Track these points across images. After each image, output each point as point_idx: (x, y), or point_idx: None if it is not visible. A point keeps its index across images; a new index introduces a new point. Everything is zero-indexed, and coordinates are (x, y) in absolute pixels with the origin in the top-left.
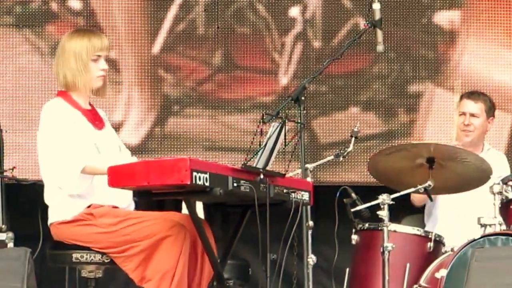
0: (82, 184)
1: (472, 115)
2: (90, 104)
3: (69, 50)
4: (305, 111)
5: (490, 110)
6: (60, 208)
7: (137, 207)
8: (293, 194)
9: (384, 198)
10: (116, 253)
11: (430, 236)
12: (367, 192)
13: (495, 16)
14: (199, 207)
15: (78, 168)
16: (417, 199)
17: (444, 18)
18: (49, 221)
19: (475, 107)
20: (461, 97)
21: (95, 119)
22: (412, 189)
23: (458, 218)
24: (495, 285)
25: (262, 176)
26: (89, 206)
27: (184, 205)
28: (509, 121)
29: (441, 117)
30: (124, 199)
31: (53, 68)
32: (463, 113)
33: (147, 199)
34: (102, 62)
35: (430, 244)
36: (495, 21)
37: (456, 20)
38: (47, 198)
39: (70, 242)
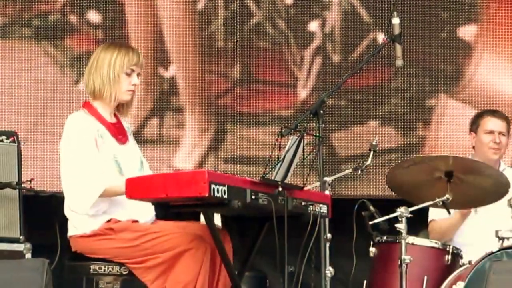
0: (100, 205)
1: (501, 133)
2: (115, 116)
3: (103, 58)
4: (323, 125)
5: (510, 129)
6: (80, 222)
7: (156, 216)
8: (311, 206)
9: (402, 211)
10: (135, 263)
11: (447, 249)
12: (385, 205)
13: (511, 31)
14: (217, 217)
15: (96, 194)
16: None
17: (462, 32)
18: (69, 234)
19: (503, 125)
20: (483, 115)
21: (119, 133)
22: (430, 202)
23: (476, 231)
24: None
25: (280, 189)
26: (109, 221)
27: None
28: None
29: (457, 130)
30: (146, 213)
31: (84, 76)
32: (491, 131)
33: (165, 211)
34: (135, 77)
35: (448, 257)
36: (511, 35)
37: (473, 34)
38: (67, 211)
39: (89, 255)
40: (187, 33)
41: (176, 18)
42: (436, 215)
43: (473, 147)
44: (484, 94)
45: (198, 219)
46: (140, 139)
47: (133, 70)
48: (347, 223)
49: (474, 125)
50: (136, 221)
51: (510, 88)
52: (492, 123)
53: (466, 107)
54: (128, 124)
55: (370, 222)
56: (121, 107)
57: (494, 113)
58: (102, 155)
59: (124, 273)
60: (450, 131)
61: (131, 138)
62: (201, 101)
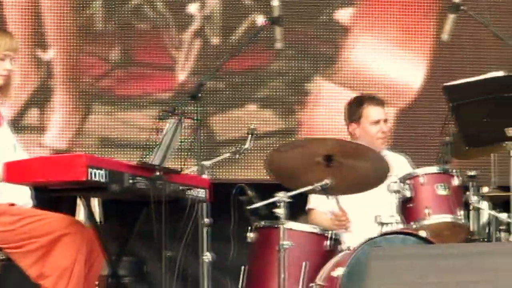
0: None
1: (385, 120)
2: None
3: None
4: (202, 108)
5: None
6: None
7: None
8: (189, 191)
9: (281, 196)
10: (12, 249)
11: (327, 235)
12: (265, 190)
13: (386, 13)
14: (95, 203)
15: None
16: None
17: (339, 15)
18: None
19: (384, 112)
20: (362, 104)
21: None
22: (310, 187)
23: (355, 217)
24: (393, 284)
25: (158, 173)
26: None
27: (78, 209)
28: (392, 116)
29: (334, 112)
30: (22, 196)
31: None
32: (377, 121)
33: (45, 196)
34: (8, 62)
35: (328, 242)
36: (386, 18)
37: (349, 16)
38: None
39: None
40: (65, 15)
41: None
42: (316, 203)
43: (351, 135)
44: (360, 76)
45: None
46: (18, 122)
47: (6, 55)
48: (226, 207)
49: (355, 115)
50: (13, 204)
51: (385, 69)
52: (375, 113)
53: (342, 89)
54: (5, 108)
55: (249, 207)
56: None
57: (372, 100)
58: None
59: (2, 258)
60: (327, 113)
61: (4, 123)
62: (79, 84)
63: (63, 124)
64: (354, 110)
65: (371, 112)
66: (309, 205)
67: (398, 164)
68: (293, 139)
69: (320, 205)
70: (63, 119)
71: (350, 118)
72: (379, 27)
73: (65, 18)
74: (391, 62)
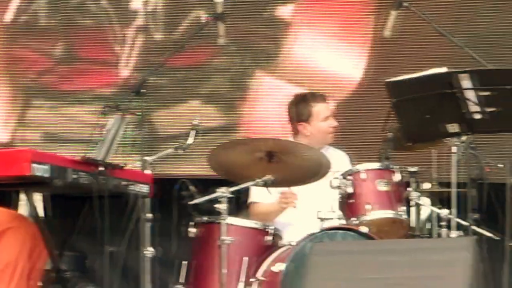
0: None
1: (332, 116)
2: None
3: None
4: (145, 104)
5: None
6: None
7: None
8: (132, 186)
9: (223, 192)
10: None
11: (268, 230)
12: (207, 185)
13: (326, 8)
14: (38, 198)
15: None
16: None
17: (281, 11)
18: None
19: (329, 107)
20: (309, 103)
21: None
22: (251, 182)
23: (297, 212)
24: (334, 279)
25: (101, 168)
26: None
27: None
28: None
29: (274, 107)
30: None
31: None
32: (327, 117)
33: None
34: None
35: (268, 238)
36: (326, 13)
37: (290, 12)
38: None
39: None
40: (9, 10)
41: None
42: (258, 197)
43: (298, 134)
44: (301, 71)
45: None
46: None
47: None
48: (168, 203)
49: (303, 115)
50: None
51: (325, 64)
52: (324, 109)
53: (283, 84)
54: None
55: (190, 202)
56: None
57: (318, 97)
58: None
59: None
60: (267, 108)
61: None
62: (23, 79)
63: (6, 118)
64: (302, 110)
65: (321, 109)
66: (251, 199)
67: (338, 160)
68: (235, 134)
69: (262, 198)
70: (5, 113)
71: (299, 118)
72: (319, 22)
73: (9, 13)
74: (331, 56)
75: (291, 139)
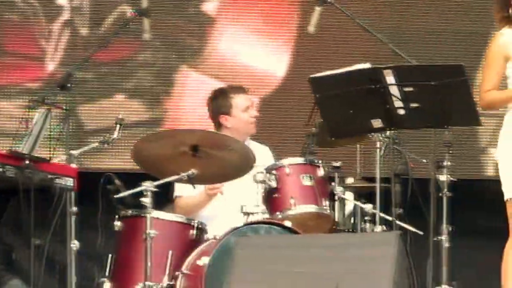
0: None
1: (252, 105)
2: None
3: None
4: (71, 98)
5: None
6: None
7: None
8: (57, 180)
9: (148, 185)
10: None
11: (193, 224)
12: (132, 179)
13: (250, 4)
14: None
15: None
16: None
17: (206, 7)
18: None
19: (249, 98)
20: (228, 94)
21: None
22: (176, 177)
23: (221, 206)
24: (258, 273)
25: (27, 162)
26: None
27: None
28: (257, 105)
29: (199, 102)
30: None
31: None
32: (247, 107)
33: None
34: None
35: (193, 232)
36: (251, 8)
37: (215, 8)
38: None
39: None
40: None
41: None
42: (182, 191)
43: (220, 127)
44: (225, 66)
45: None
46: None
47: None
48: (94, 196)
49: (224, 107)
50: None
51: (249, 59)
52: (245, 100)
53: (208, 79)
54: None
55: (116, 196)
56: None
57: (238, 89)
58: None
59: None
60: (192, 103)
61: None
62: None
63: None
64: (222, 102)
65: (241, 100)
66: (176, 193)
67: (261, 154)
68: (160, 128)
69: (187, 192)
70: None
71: (219, 111)
72: (244, 18)
73: None
74: (255, 52)
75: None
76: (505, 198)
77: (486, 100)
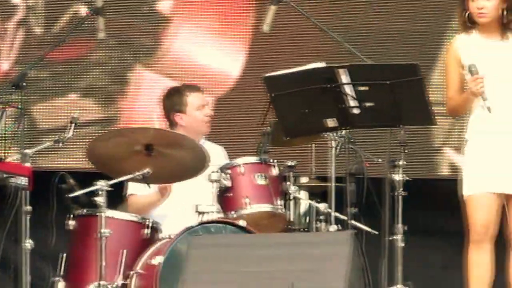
0: None
1: (207, 104)
2: None
3: None
4: (25, 97)
5: None
6: None
7: None
8: (11, 179)
9: (102, 184)
10: None
11: (146, 223)
12: (86, 178)
13: (205, 3)
14: None
15: None
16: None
17: (160, 6)
18: None
19: (204, 97)
20: (183, 93)
21: None
22: (130, 176)
23: (175, 205)
24: (212, 272)
25: None
26: None
27: None
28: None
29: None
30: None
31: None
32: (202, 106)
33: None
34: None
35: (147, 231)
36: (206, 7)
37: (170, 7)
38: None
39: None
40: None
41: None
42: (135, 189)
43: (174, 125)
44: (180, 65)
45: None
46: None
47: None
48: (47, 195)
49: (178, 105)
50: None
51: (204, 58)
52: (199, 98)
53: (162, 79)
54: None
55: (69, 195)
56: None
57: (193, 87)
58: None
59: None
60: (146, 102)
61: None
62: None
63: None
64: (176, 100)
65: (195, 98)
66: (129, 191)
67: (215, 153)
68: (114, 128)
69: (140, 190)
70: None
71: (174, 109)
72: (199, 17)
73: None
74: (210, 52)
75: None
76: (465, 195)
77: (449, 107)
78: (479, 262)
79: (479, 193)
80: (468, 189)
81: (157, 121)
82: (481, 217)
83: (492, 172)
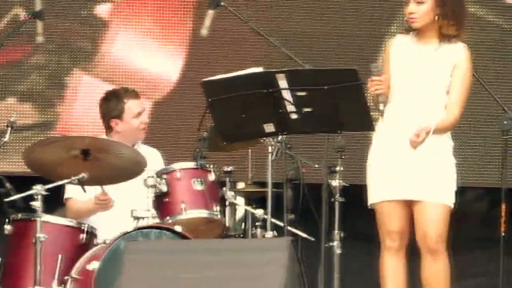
0: None
1: (143, 111)
2: None
3: None
4: None
5: None
6: None
7: None
8: None
9: (38, 189)
10: None
11: (83, 228)
12: (23, 182)
13: (143, 7)
14: None
15: None
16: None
17: (99, 10)
18: None
19: (141, 103)
20: (121, 99)
21: None
22: (66, 180)
23: (112, 210)
24: (149, 278)
25: None
26: None
27: None
28: (149, 109)
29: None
30: None
31: None
32: (139, 113)
33: None
34: None
35: (83, 236)
36: (144, 11)
37: (108, 11)
38: None
39: None
40: None
41: None
42: (72, 193)
43: (111, 131)
44: (118, 69)
45: None
46: None
47: None
48: None
49: (115, 111)
50: None
51: (142, 63)
52: (137, 106)
53: (100, 83)
54: None
55: (6, 199)
56: None
57: (131, 94)
58: None
59: None
60: (84, 107)
61: None
62: None
63: None
64: (114, 106)
65: (133, 105)
66: (66, 195)
67: (151, 157)
68: (52, 132)
69: (78, 194)
70: None
71: (111, 115)
72: (137, 22)
73: None
74: (148, 55)
75: (104, 136)
76: (372, 204)
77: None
78: (394, 268)
79: (385, 201)
80: (374, 197)
81: (96, 125)
82: (393, 224)
83: (394, 178)
